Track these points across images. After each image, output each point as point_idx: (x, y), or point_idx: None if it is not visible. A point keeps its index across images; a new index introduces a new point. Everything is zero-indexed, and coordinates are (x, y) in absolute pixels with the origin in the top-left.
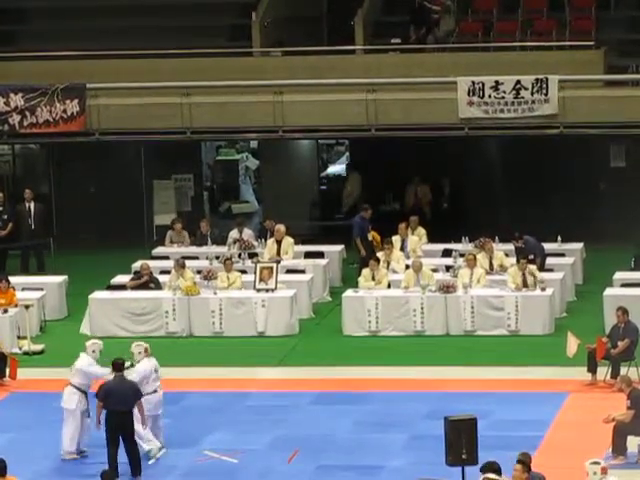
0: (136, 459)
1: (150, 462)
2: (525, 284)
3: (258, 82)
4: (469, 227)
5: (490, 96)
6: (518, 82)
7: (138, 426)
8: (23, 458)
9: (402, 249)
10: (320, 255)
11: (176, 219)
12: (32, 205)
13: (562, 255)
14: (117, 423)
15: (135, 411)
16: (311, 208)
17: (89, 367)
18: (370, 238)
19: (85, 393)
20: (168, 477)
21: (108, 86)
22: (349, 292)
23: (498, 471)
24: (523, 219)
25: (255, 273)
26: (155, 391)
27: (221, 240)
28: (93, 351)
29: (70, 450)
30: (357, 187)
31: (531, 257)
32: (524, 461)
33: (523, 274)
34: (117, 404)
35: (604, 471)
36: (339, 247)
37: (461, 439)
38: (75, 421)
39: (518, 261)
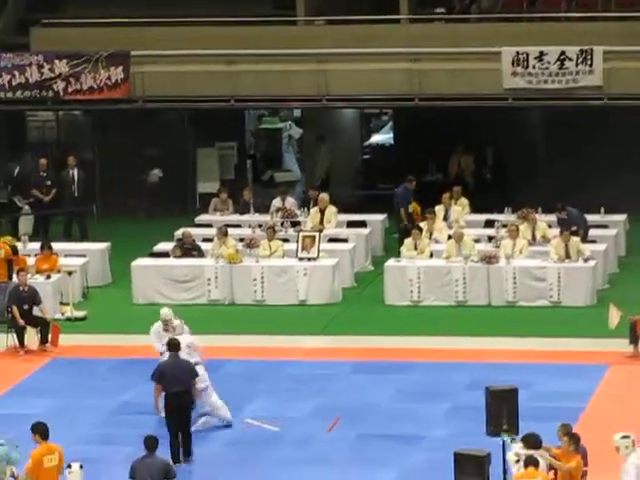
0: (188, 441)
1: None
2: (568, 255)
3: (302, 51)
4: (512, 197)
5: (534, 67)
6: (563, 53)
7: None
8: (65, 424)
9: (445, 219)
10: (363, 224)
11: (222, 187)
12: (75, 172)
13: (605, 227)
14: (174, 404)
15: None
16: (354, 177)
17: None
18: (410, 210)
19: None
20: (210, 445)
21: (152, 53)
22: (391, 261)
23: (539, 445)
24: (566, 190)
25: (297, 242)
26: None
27: (264, 208)
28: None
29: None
30: (326, 159)
31: (574, 229)
32: (573, 435)
33: (566, 245)
34: (173, 385)
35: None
36: (382, 216)
37: (502, 410)
38: None
39: (561, 232)
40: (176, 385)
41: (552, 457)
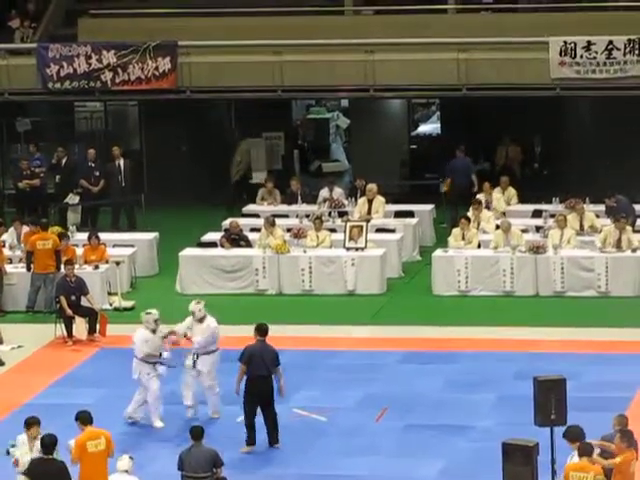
0: (274, 426)
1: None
2: (618, 244)
3: (349, 41)
4: (560, 187)
5: (582, 56)
6: (610, 42)
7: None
8: (112, 414)
9: (487, 208)
10: (410, 214)
11: (268, 177)
12: (121, 162)
13: None
14: (256, 388)
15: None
16: (401, 167)
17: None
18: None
19: (150, 363)
20: (257, 434)
21: (199, 44)
22: (439, 252)
23: (581, 435)
24: (614, 180)
25: (345, 232)
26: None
27: (311, 199)
28: (146, 321)
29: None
30: (246, 157)
31: (622, 216)
32: (625, 431)
33: (620, 233)
34: (257, 368)
35: None
36: (429, 206)
37: (550, 400)
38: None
39: (617, 220)
40: (261, 369)
41: (601, 454)
